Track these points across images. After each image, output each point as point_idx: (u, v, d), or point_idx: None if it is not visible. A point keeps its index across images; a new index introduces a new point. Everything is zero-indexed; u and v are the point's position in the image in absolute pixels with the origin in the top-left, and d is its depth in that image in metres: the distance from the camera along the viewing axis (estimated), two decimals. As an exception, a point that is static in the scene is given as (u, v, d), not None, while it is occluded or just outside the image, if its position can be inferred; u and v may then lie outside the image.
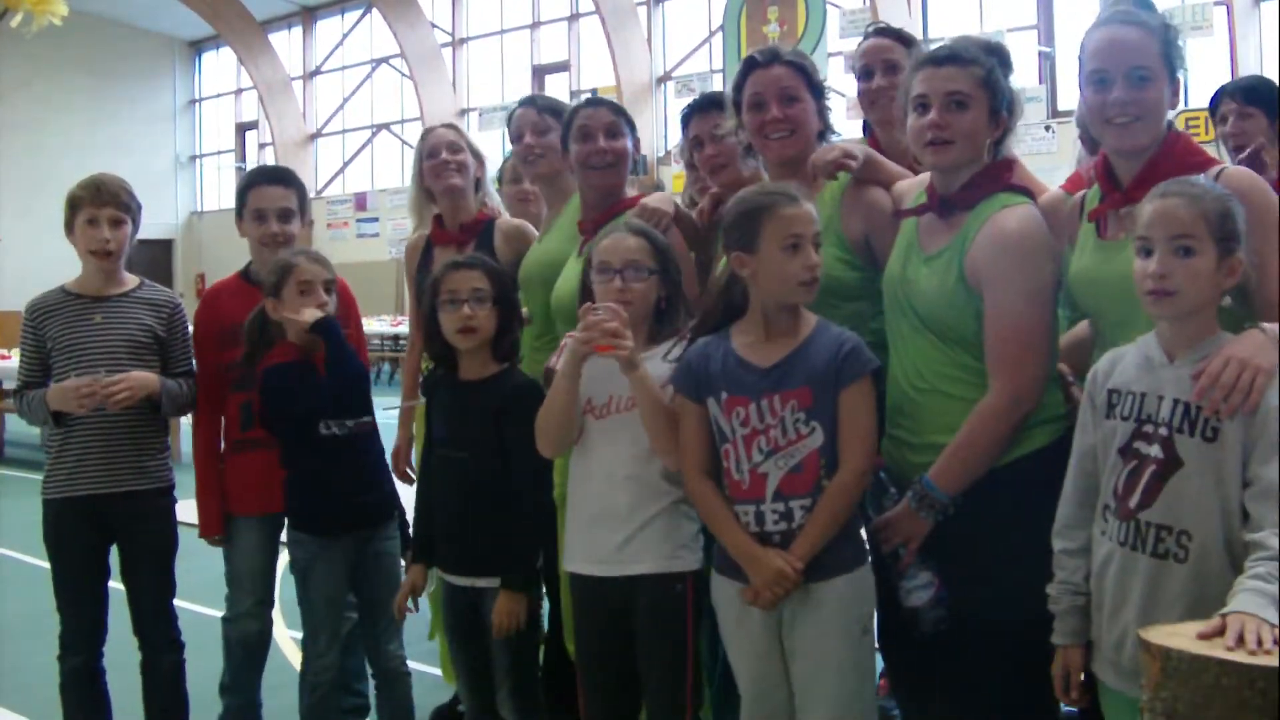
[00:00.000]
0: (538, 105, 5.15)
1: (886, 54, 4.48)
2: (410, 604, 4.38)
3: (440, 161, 5.32)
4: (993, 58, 3.63)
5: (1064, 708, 3.72)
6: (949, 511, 3.54)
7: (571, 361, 3.74)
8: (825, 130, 4.11)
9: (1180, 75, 3.46)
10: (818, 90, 4.09)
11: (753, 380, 3.55)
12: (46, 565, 4.73)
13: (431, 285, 4.24)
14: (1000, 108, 3.61)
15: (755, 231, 3.55)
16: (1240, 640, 2.52)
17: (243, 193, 5.00)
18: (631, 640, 3.83)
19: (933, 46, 3.74)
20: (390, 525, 4.64)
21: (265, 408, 4.54)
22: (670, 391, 3.73)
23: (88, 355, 4.59)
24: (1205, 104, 5.09)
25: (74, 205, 4.69)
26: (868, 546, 3.65)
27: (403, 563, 4.59)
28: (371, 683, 4.84)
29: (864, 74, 4.55)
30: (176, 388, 4.72)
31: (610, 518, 3.81)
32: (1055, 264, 3.56)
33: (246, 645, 4.86)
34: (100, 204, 4.67)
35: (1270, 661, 2.41)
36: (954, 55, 3.60)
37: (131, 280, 4.83)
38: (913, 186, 3.89)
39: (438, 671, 5.77)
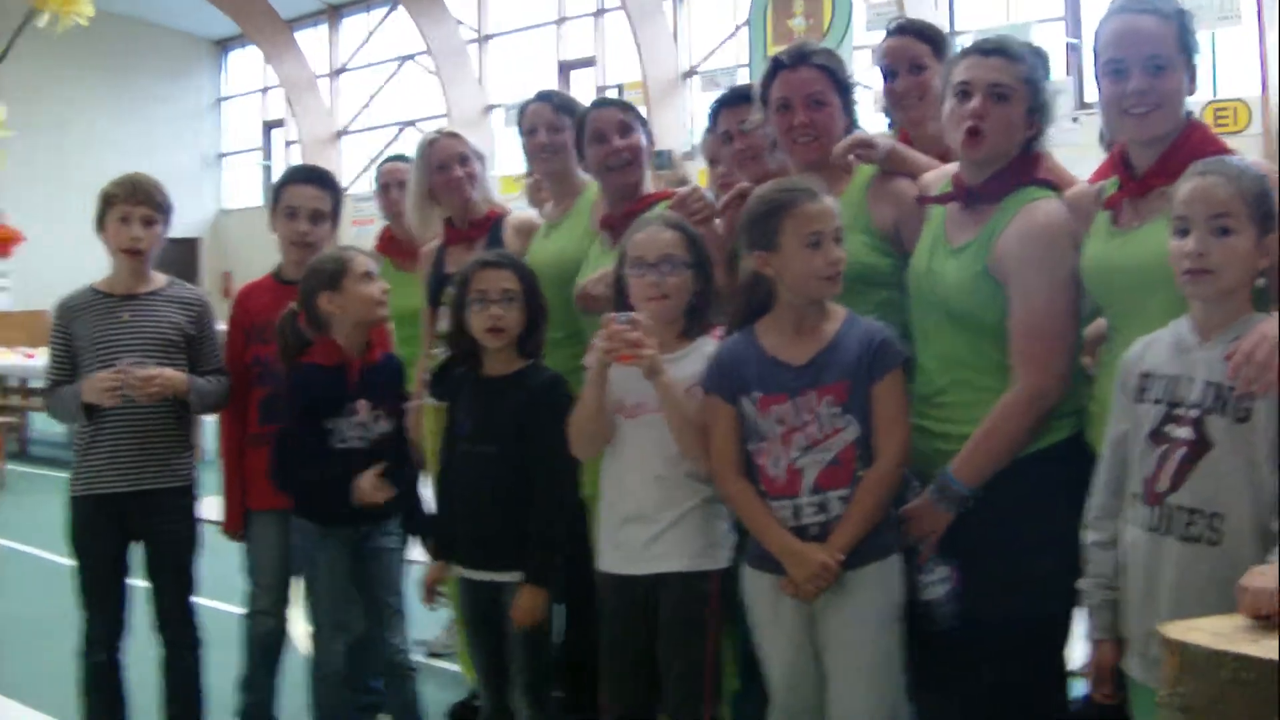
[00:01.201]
0: (553, 102, 5.13)
1: (910, 53, 4.43)
2: (439, 594, 4.39)
3: (453, 177, 5.32)
4: (1037, 58, 3.64)
5: (1073, 698, 3.75)
6: (969, 504, 3.54)
7: (597, 369, 3.76)
8: (851, 127, 4.10)
9: (1196, 62, 3.45)
10: (845, 89, 4.09)
11: (788, 378, 3.57)
12: (64, 561, 4.74)
13: (460, 283, 4.24)
14: (1038, 107, 3.61)
15: (775, 229, 3.58)
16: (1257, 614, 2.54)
17: (278, 189, 5.01)
18: (655, 637, 3.84)
19: (975, 39, 3.74)
20: (392, 523, 4.60)
21: (287, 402, 4.55)
22: (699, 392, 3.74)
23: (117, 353, 4.58)
24: (1234, 94, 5.04)
25: (107, 202, 4.70)
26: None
27: (412, 559, 4.59)
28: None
29: (888, 74, 4.51)
30: (207, 385, 4.73)
31: (640, 516, 3.83)
32: (1079, 258, 3.56)
33: (263, 642, 4.88)
34: (134, 202, 4.68)
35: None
36: (1002, 48, 3.60)
37: (160, 279, 4.84)
38: (939, 178, 3.88)
39: (457, 667, 5.78)
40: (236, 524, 4.90)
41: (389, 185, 6.26)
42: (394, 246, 6.09)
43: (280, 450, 4.54)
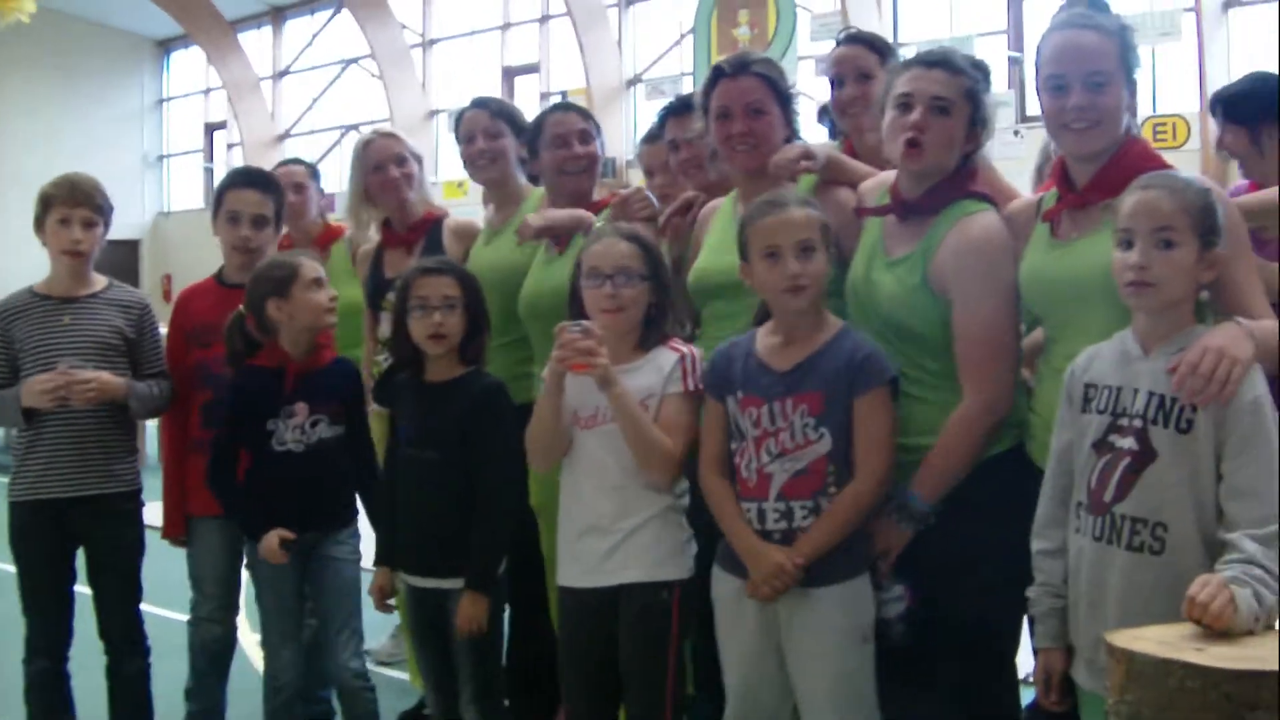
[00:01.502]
0: (490, 108, 5.14)
1: (858, 62, 4.47)
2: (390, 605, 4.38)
3: (389, 178, 5.31)
4: (978, 71, 3.65)
5: (1025, 706, 3.77)
6: (930, 521, 3.54)
7: (551, 379, 3.76)
8: (792, 137, 4.11)
9: (1137, 78, 3.48)
10: (785, 98, 4.10)
11: (768, 382, 3.58)
12: (12, 569, 4.69)
13: (401, 289, 4.24)
14: (978, 122, 3.63)
15: (745, 242, 3.64)
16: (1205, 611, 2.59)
17: (220, 193, 4.95)
18: (614, 648, 3.82)
19: (919, 51, 3.75)
20: (344, 533, 4.54)
21: (227, 406, 4.52)
22: (654, 403, 3.76)
23: (56, 357, 4.54)
24: (1173, 110, 5.08)
25: (46, 203, 4.66)
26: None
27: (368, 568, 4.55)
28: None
29: (836, 82, 4.54)
30: (147, 390, 4.69)
31: (598, 528, 3.81)
32: (1017, 269, 3.58)
33: (209, 649, 4.82)
34: (74, 204, 4.64)
35: (1234, 664, 2.42)
36: (945, 61, 3.62)
37: (100, 281, 4.80)
38: (875, 186, 3.90)
39: (404, 675, 5.75)
40: (176, 529, 4.84)
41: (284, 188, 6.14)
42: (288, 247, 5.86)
43: (212, 456, 4.51)
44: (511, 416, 4.21)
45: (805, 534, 3.50)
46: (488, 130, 5.03)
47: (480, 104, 5.19)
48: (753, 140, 4.01)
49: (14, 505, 4.66)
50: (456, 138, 5.20)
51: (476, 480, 4.13)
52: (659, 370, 3.80)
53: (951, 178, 3.65)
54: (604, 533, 3.79)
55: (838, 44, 4.61)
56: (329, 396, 4.51)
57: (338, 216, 6.34)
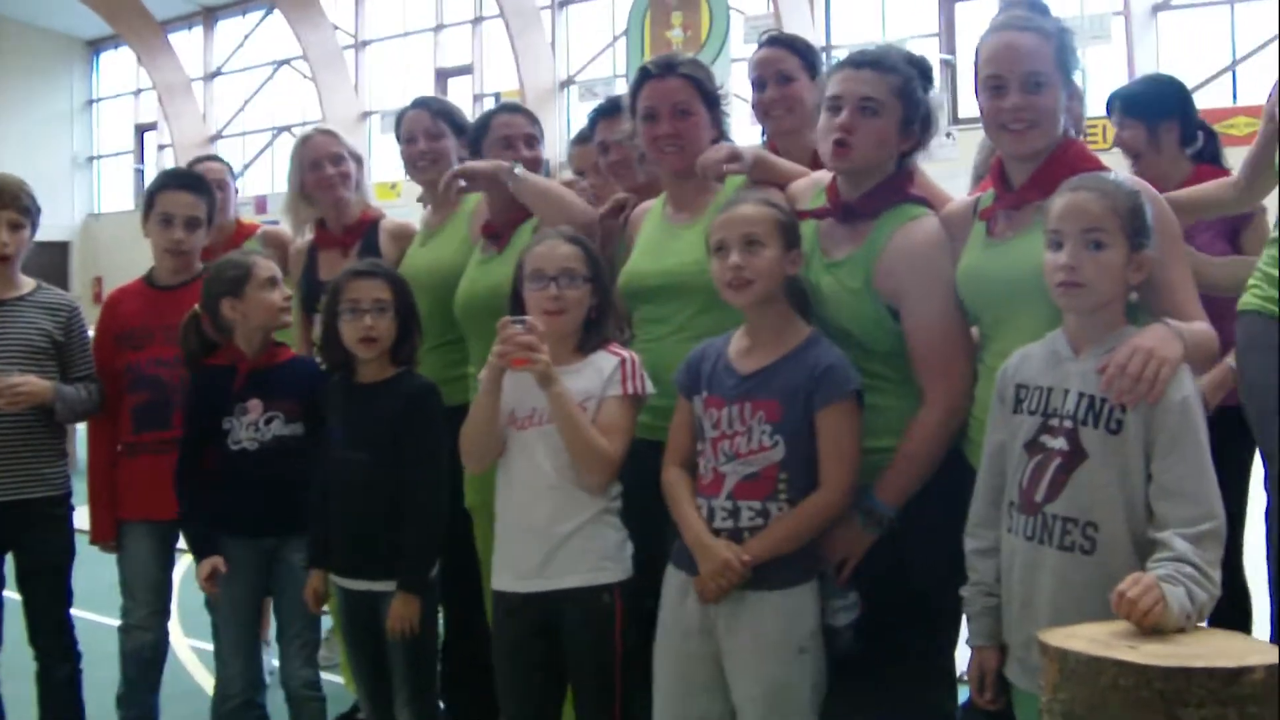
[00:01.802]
0: (431, 108, 5.10)
1: (779, 65, 4.46)
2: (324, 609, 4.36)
3: (325, 175, 5.28)
4: (913, 69, 3.64)
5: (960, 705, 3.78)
6: (892, 526, 3.52)
7: (490, 376, 3.73)
8: (720, 138, 4.11)
9: (1076, 79, 3.50)
10: (712, 100, 4.09)
11: (730, 385, 3.55)
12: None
13: (332, 292, 4.22)
14: (913, 119, 3.63)
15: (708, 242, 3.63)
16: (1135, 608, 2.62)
17: (152, 194, 4.88)
18: (554, 654, 3.80)
19: (850, 51, 3.75)
20: (299, 539, 4.41)
21: (185, 407, 4.50)
22: (593, 405, 3.74)
23: None
24: (1101, 112, 5.14)
25: None
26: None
27: None
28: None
29: (757, 85, 4.53)
30: (75, 393, 4.63)
31: (532, 531, 3.77)
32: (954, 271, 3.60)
33: (140, 656, 4.75)
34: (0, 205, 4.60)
35: (1166, 661, 2.45)
36: (875, 61, 3.61)
37: (28, 284, 4.75)
38: (808, 187, 3.91)
39: (339, 679, 5.72)
40: (105, 534, 4.78)
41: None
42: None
43: (179, 459, 4.49)
44: (443, 418, 4.20)
45: (758, 535, 3.46)
46: (429, 131, 5.00)
47: (421, 104, 5.16)
48: (680, 141, 4.00)
49: None
50: (397, 137, 5.16)
51: (407, 482, 4.11)
52: (599, 373, 3.78)
53: (892, 180, 3.66)
54: (540, 536, 3.76)
55: (759, 46, 4.61)
56: (285, 394, 4.45)
57: (268, 216, 6.30)
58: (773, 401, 3.48)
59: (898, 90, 3.59)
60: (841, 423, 3.47)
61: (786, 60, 4.46)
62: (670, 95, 4.02)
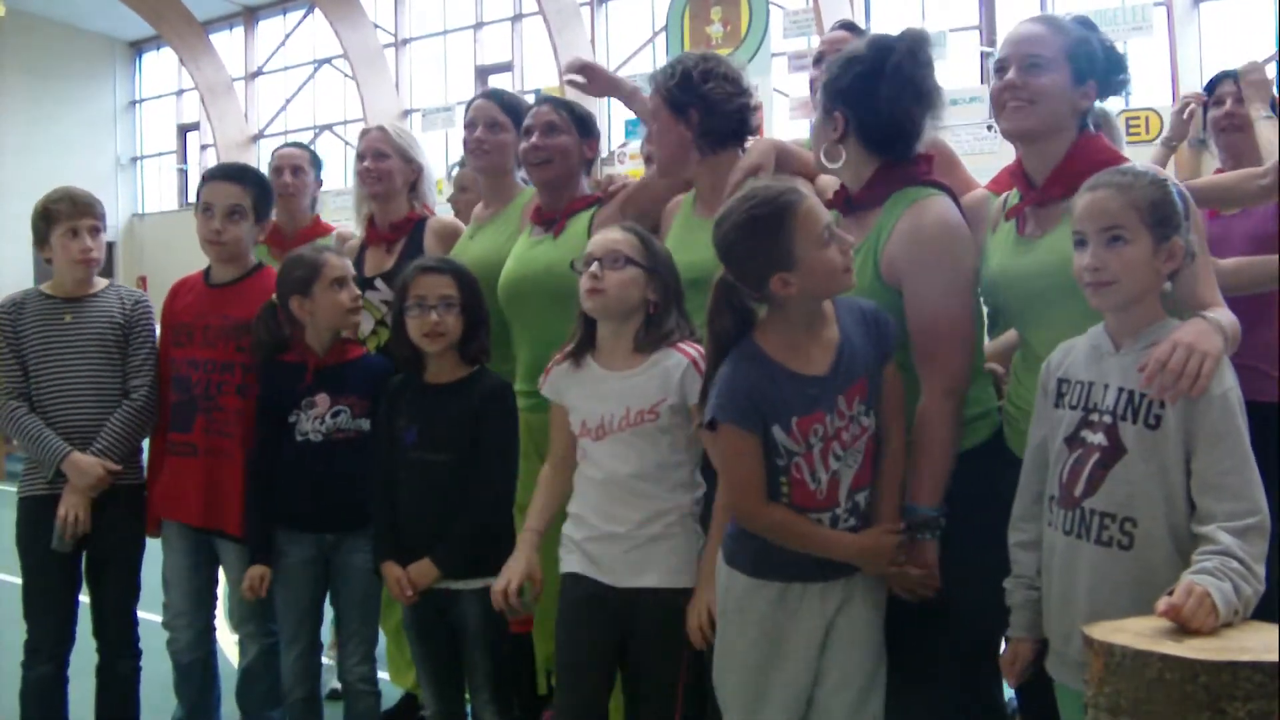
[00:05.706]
0: (500, 101, 5.14)
1: (842, 45, 4.45)
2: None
3: (363, 168, 5.36)
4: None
5: (1010, 697, 3.78)
6: (941, 522, 3.47)
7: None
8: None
9: (1092, 79, 3.48)
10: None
11: (817, 392, 3.33)
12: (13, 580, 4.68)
13: (400, 288, 4.24)
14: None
15: (789, 241, 3.26)
16: (1180, 617, 2.59)
17: (199, 187, 4.93)
18: (619, 649, 3.81)
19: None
20: (358, 538, 4.43)
21: (258, 402, 4.56)
22: (666, 411, 3.70)
23: (60, 355, 4.68)
24: (1145, 104, 5.10)
25: (49, 219, 4.74)
26: None
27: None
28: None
29: (817, 61, 4.62)
30: (121, 428, 4.70)
31: (615, 532, 3.76)
32: (975, 257, 3.60)
33: (177, 657, 4.81)
34: (79, 215, 4.74)
35: (1212, 655, 2.44)
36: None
37: (101, 282, 4.88)
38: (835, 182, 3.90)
39: (384, 674, 5.73)
40: (151, 525, 4.84)
41: (281, 169, 6.08)
42: (276, 235, 5.77)
43: (254, 455, 4.55)
44: (516, 418, 4.27)
45: (882, 507, 3.41)
46: (489, 121, 5.04)
47: (491, 95, 5.22)
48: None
49: (22, 500, 4.73)
50: (464, 125, 5.20)
51: (480, 478, 4.13)
52: (665, 374, 3.71)
53: (895, 166, 3.63)
54: (621, 538, 3.74)
55: (832, 29, 4.70)
56: (354, 390, 4.48)
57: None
58: (862, 379, 3.37)
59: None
60: (894, 373, 3.47)
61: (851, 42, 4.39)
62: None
